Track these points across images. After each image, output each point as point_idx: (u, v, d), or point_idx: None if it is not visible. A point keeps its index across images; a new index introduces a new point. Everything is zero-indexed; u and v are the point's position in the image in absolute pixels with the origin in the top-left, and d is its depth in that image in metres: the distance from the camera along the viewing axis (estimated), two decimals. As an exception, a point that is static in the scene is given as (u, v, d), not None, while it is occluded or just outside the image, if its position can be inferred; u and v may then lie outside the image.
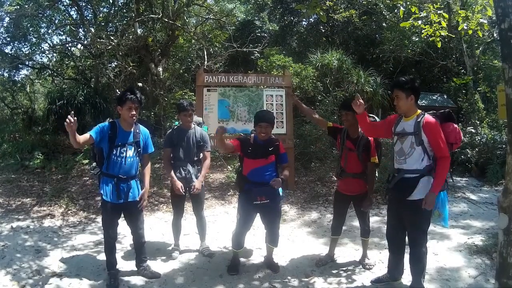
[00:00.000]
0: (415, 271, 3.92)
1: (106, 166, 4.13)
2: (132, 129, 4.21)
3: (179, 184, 4.83)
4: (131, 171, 4.20)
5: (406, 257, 4.08)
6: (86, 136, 3.95)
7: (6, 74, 15.53)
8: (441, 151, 3.66)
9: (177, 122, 5.27)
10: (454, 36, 10.51)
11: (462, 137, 4.05)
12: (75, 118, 3.60)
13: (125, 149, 4.13)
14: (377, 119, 4.65)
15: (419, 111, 3.84)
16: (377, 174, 5.03)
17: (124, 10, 14.44)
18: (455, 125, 3.84)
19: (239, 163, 4.88)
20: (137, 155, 4.25)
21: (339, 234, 4.96)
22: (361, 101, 4.08)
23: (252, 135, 4.54)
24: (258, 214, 4.64)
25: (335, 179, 5.02)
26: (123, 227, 4.62)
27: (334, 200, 5.00)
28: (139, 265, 4.52)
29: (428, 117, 3.73)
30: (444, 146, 3.66)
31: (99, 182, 4.23)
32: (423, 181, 3.73)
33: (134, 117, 4.12)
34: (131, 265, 4.63)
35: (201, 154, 5.15)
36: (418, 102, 3.93)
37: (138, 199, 4.26)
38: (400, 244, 4.15)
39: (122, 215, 4.36)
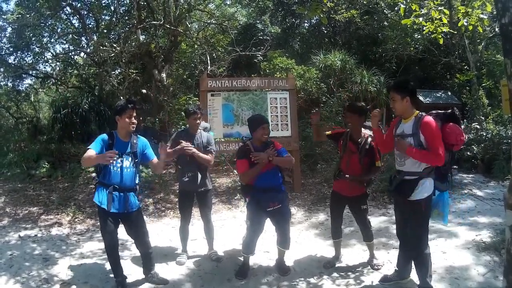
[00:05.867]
0: (421, 273, 3.93)
1: (103, 175, 4.13)
2: (130, 140, 4.24)
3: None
4: (127, 182, 4.17)
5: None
6: (92, 154, 3.96)
7: (10, 84, 15.73)
8: (435, 151, 3.61)
9: (183, 127, 5.26)
10: (456, 32, 10.47)
11: (466, 136, 4.01)
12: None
13: (122, 159, 4.14)
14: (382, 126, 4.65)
15: (416, 112, 3.83)
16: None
17: (126, 18, 14.53)
18: (457, 126, 3.76)
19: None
20: (135, 165, 4.25)
21: (340, 236, 4.95)
22: (377, 114, 4.13)
23: (249, 143, 4.51)
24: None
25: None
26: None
27: (331, 201, 5.01)
28: (147, 272, 4.51)
29: (427, 118, 3.71)
30: (440, 148, 3.60)
31: (95, 191, 4.22)
32: (422, 182, 3.74)
33: (134, 125, 4.16)
34: (139, 272, 4.62)
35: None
36: (423, 99, 3.94)
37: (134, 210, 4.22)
38: None
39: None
